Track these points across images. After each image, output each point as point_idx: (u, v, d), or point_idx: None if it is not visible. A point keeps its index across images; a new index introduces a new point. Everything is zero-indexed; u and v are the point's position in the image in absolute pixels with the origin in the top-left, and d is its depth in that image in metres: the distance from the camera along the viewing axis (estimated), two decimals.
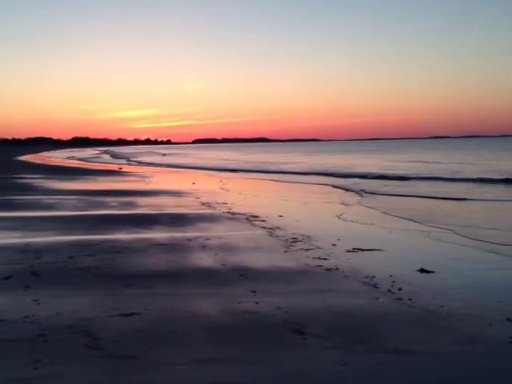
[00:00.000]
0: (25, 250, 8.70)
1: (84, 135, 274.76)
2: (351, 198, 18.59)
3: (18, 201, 16.07)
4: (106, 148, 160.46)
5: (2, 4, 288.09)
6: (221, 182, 26.47)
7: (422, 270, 7.46)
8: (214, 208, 14.63)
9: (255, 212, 13.65)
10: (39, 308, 5.65)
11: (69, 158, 70.25)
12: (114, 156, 72.31)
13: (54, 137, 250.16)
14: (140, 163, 53.91)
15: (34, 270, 7.30)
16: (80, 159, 64.00)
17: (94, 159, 64.44)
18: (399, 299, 6.09)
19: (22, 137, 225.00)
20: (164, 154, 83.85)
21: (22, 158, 65.55)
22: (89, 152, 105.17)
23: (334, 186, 22.90)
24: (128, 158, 63.94)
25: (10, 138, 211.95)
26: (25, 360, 4.35)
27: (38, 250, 8.64)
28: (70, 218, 12.49)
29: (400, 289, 6.49)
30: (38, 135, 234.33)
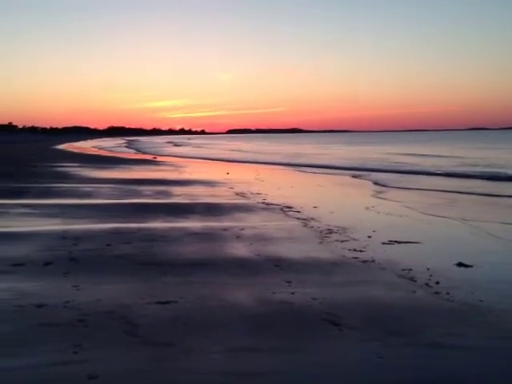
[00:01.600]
0: (63, 236, 8.88)
1: (120, 125, 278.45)
2: (382, 190, 18.37)
3: (56, 188, 16.39)
4: (135, 138, 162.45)
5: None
6: (255, 172, 26.49)
7: (460, 264, 7.34)
8: (248, 198, 14.65)
9: (289, 203, 13.62)
10: (79, 294, 5.76)
11: (94, 147, 70.49)
12: (132, 147, 70.78)
13: (91, 126, 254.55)
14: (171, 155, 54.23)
15: (73, 257, 7.45)
16: (102, 148, 64.61)
17: (116, 149, 64.83)
18: (437, 293, 6.01)
19: (60, 126, 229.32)
20: (177, 145, 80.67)
21: (59, 146, 66.80)
22: (115, 142, 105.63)
23: (364, 178, 22.68)
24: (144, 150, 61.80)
25: (47, 127, 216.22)
26: (65, 344, 4.45)
27: (76, 237, 8.81)
28: (107, 206, 12.68)
29: (437, 282, 6.40)
30: (75, 124, 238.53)
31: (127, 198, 14.32)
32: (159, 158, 39.12)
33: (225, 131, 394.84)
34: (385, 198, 15.84)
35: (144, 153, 52.77)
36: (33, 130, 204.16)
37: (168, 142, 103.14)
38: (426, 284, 6.35)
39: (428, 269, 7.03)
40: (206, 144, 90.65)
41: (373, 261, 7.50)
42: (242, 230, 9.79)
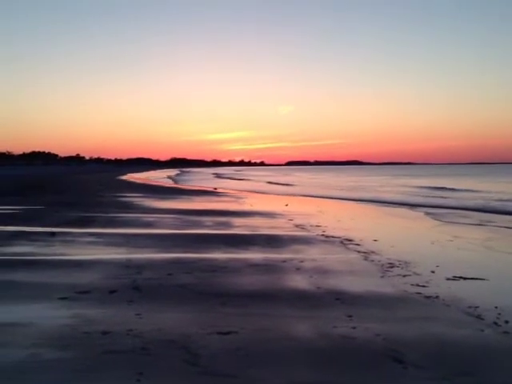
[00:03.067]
0: (127, 265, 9.11)
1: (181, 156, 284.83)
2: (444, 225, 17.90)
3: (120, 218, 16.87)
4: (188, 169, 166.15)
5: (99, 26, 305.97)
6: (313, 204, 26.42)
7: None
8: (308, 230, 14.60)
9: (349, 235, 13.48)
10: (142, 322, 5.87)
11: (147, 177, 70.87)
12: (174, 180, 65.67)
13: (153, 157, 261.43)
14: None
15: (137, 285, 7.62)
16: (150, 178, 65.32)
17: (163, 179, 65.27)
18: (506, 332, 5.76)
19: (124, 157, 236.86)
20: (219, 177, 78.20)
21: (123, 177, 68.92)
22: (168, 173, 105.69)
23: (426, 213, 22.17)
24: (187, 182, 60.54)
25: (113, 158, 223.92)
26: (128, 372, 4.53)
27: (140, 266, 9.01)
28: (168, 236, 12.93)
29: (507, 321, 6.13)
30: (139, 156, 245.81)
31: (188, 229, 14.55)
32: (219, 190, 39.67)
33: (284, 163, 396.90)
34: (445, 233, 15.42)
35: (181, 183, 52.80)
36: (99, 160, 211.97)
37: (213, 174, 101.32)
38: (495, 323, 6.10)
39: (496, 307, 6.76)
40: (251, 175, 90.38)
41: (437, 297, 7.29)
42: (302, 262, 9.74)
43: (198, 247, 11.32)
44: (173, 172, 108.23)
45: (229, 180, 66.71)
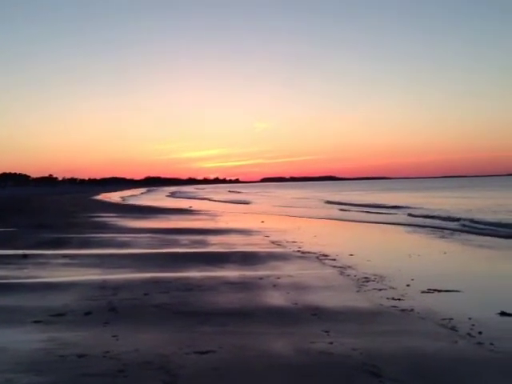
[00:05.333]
0: (102, 286, 9.02)
1: (156, 175, 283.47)
2: (421, 237, 18.15)
3: (94, 239, 16.71)
4: (156, 187, 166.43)
5: (71, 47, 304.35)
6: (288, 220, 26.54)
7: (503, 313, 7.15)
8: (284, 246, 14.65)
9: (325, 251, 13.56)
10: (118, 344, 5.82)
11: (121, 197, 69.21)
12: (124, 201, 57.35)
13: (128, 176, 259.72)
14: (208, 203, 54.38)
15: (113, 307, 7.54)
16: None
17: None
18: (480, 343, 5.85)
19: (98, 177, 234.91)
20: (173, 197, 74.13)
21: (97, 197, 68.27)
22: (130, 193, 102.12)
23: (403, 225, 22.46)
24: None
25: (86, 178, 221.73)
26: None
27: (115, 287, 8.93)
28: (144, 256, 12.85)
29: (480, 332, 6.24)
30: (113, 175, 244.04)
31: (164, 248, 14.48)
32: (195, 207, 39.55)
33: (259, 179, 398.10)
34: (420, 246, 15.64)
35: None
36: (72, 181, 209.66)
37: (170, 193, 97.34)
38: (469, 334, 6.20)
39: (470, 318, 6.87)
40: (210, 193, 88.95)
41: (412, 310, 7.38)
42: (279, 278, 9.77)
43: (174, 266, 11.27)
44: (136, 192, 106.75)
45: (179, 199, 63.81)
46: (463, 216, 24.90)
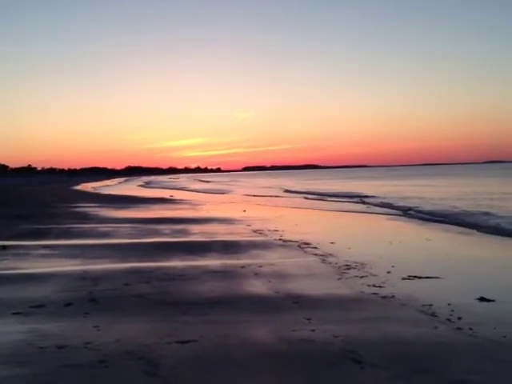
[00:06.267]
0: (83, 277, 8.94)
1: (137, 164, 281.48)
2: (401, 224, 18.32)
3: (75, 229, 16.55)
4: (147, 178, 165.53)
5: (52, 36, 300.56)
6: (271, 209, 26.58)
7: (482, 299, 7.24)
8: (266, 235, 14.67)
9: (307, 239, 13.61)
10: (99, 334, 5.78)
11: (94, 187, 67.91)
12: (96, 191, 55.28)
13: (109, 166, 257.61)
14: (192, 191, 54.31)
15: (93, 297, 7.49)
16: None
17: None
18: (459, 329, 5.92)
19: (78, 167, 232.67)
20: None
21: (77, 187, 67.65)
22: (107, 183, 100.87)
23: (381, 213, 22.66)
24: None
25: (66, 168, 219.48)
26: None
27: (96, 278, 8.86)
28: (125, 246, 12.77)
29: (459, 318, 6.32)
30: (94, 165, 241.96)
31: (145, 238, 14.41)
32: (176, 197, 39.39)
33: (240, 169, 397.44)
34: (400, 232, 15.78)
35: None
36: (51, 171, 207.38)
37: (144, 182, 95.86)
38: (448, 319, 6.27)
39: (449, 304, 6.95)
40: (182, 183, 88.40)
41: (393, 296, 7.44)
42: (261, 267, 9.78)
43: (155, 256, 11.22)
44: (112, 182, 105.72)
45: (150, 189, 62.94)
46: (413, 205, 25.42)
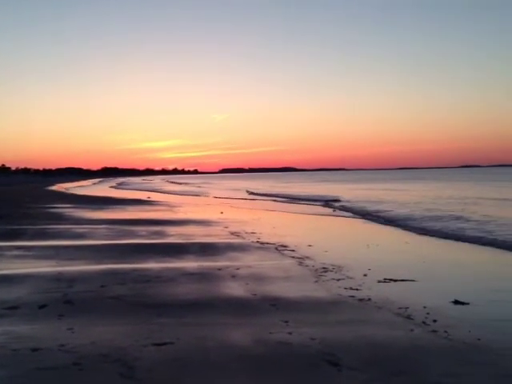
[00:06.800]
0: (58, 278, 8.82)
1: (113, 165, 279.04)
2: (375, 228, 18.47)
3: (50, 230, 16.33)
4: (111, 178, 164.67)
5: (29, 39, 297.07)
6: (248, 211, 26.57)
7: (457, 302, 7.33)
8: (243, 237, 14.65)
9: (284, 241, 13.63)
10: (74, 336, 5.70)
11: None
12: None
13: (84, 167, 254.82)
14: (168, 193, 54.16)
15: (68, 299, 7.39)
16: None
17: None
18: (434, 331, 5.98)
19: (53, 167, 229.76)
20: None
21: (52, 187, 66.79)
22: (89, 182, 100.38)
23: (347, 217, 22.82)
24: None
25: (41, 168, 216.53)
26: None
27: (71, 279, 8.75)
28: (101, 247, 12.63)
29: (435, 320, 6.38)
30: (70, 165, 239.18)
31: (122, 239, 14.27)
32: (153, 198, 39.13)
33: (217, 171, 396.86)
34: (375, 235, 15.91)
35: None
36: (26, 171, 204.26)
37: (117, 183, 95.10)
38: (424, 322, 6.33)
39: (425, 307, 7.02)
40: (155, 185, 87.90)
41: (369, 299, 7.48)
42: (238, 269, 9.76)
43: (131, 257, 11.12)
44: (87, 183, 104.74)
45: (122, 190, 62.20)
46: (381, 208, 25.66)
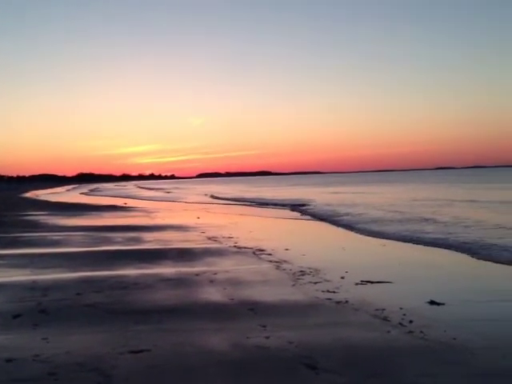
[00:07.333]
0: (32, 287, 8.69)
1: (89, 171, 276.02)
2: (345, 231, 18.58)
3: (25, 238, 16.09)
4: (86, 184, 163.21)
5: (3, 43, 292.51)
6: (225, 216, 26.53)
7: (432, 302, 7.42)
8: (221, 242, 14.62)
9: (261, 246, 13.63)
10: (49, 346, 5.61)
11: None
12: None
13: (60, 173, 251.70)
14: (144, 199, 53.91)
15: (43, 308, 7.28)
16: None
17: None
18: (411, 332, 6.04)
19: (27, 174, 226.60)
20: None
21: (26, 194, 65.83)
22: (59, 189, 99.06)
23: (324, 221, 22.94)
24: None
25: (15, 175, 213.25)
26: None
27: (46, 288, 8.62)
28: (77, 255, 12.48)
29: (411, 321, 6.44)
30: (44, 172, 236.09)
31: (98, 246, 14.13)
32: (129, 204, 38.84)
33: (195, 175, 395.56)
34: (352, 239, 16.01)
35: None
36: None
37: (89, 190, 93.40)
38: (400, 323, 6.38)
39: (401, 308, 7.08)
40: (127, 190, 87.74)
41: (346, 302, 7.52)
42: (215, 274, 9.73)
43: (108, 264, 11.01)
44: (62, 189, 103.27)
45: (94, 197, 60.76)
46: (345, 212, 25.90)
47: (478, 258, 11.62)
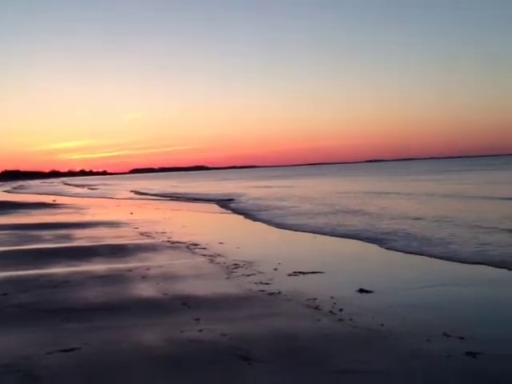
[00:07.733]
0: None
1: (15, 168, 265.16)
2: (272, 226, 18.82)
3: None
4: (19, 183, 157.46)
5: None
6: (158, 211, 26.24)
7: (362, 290, 7.65)
8: (154, 237, 14.47)
9: (195, 240, 13.60)
10: None
11: None
12: None
13: None
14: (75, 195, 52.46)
15: None
16: None
17: None
18: (341, 320, 6.21)
19: None
20: None
21: None
22: None
23: (250, 215, 23.16)
24: None
25: None
26: None
27: None
28: (2, 254, 12.02)
29: (341, 309, 6.62)
30: None
31: (26, 244, 13.65)
32: (59, 201, 37.69)
33: (128, 171, 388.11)
34: (284, 232, 16.22)
35: None
36: None
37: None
38: (331, 312, 6.55)
39: (332, 297, 7.26)
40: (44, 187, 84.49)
41: (279, 293, 7.64)
42: (148, 269, 9.63)
43: (36, 263, 10.67)
44: None
45: (19, 194, 58.03)
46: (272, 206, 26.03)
47: (387, 248, 11.88)
